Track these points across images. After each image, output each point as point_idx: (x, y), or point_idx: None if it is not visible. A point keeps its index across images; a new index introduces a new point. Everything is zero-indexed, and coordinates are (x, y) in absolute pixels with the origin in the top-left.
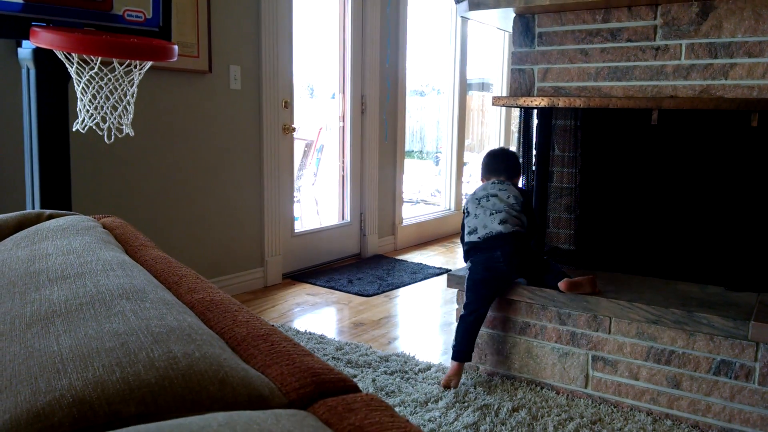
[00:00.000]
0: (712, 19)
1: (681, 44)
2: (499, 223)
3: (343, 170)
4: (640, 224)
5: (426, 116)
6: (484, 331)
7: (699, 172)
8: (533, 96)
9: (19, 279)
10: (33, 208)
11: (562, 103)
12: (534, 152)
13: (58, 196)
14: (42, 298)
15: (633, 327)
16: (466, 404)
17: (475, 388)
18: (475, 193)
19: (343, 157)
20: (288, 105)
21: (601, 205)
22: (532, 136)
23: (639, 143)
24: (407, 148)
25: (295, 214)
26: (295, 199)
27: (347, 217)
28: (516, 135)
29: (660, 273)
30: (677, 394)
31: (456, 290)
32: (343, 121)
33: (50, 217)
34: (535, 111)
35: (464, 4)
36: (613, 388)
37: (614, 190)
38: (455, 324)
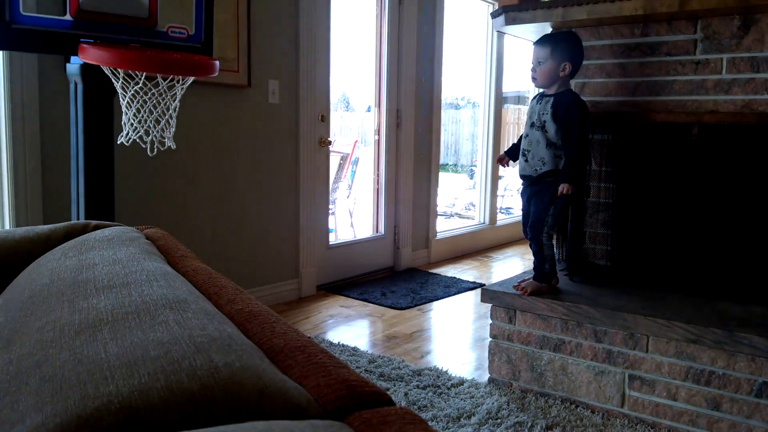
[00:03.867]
0: (754, 33)
1: (722, 58)
2: None
3: (377, 183)
4: (679, 241)
5: (461, 129)
6: (518, 347)
7: (741, 189)
8: None
9: (67, 288)
10: (78, 218)
11: (599, 117)
12: None
13: (101, 206)
14: (90, 307)
15: (671, 346)
16: (499, 421)
17: (508, 405)
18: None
19: (378, 170)
20: (324, 119)
21: (639, 221)
22: None
23: (678, 158)
24: (441, 161)
25: (330, 226)
26: (330, 212)
27: (381, 230)
28: None
29: (699, 291)
30: (717, 416)
31: (490, 305)
32: (379, 134)
33: (96, 227)
34: None
35: (500, 19)
36: (651, 408)
37: (653, 206)
38: (489, 339)
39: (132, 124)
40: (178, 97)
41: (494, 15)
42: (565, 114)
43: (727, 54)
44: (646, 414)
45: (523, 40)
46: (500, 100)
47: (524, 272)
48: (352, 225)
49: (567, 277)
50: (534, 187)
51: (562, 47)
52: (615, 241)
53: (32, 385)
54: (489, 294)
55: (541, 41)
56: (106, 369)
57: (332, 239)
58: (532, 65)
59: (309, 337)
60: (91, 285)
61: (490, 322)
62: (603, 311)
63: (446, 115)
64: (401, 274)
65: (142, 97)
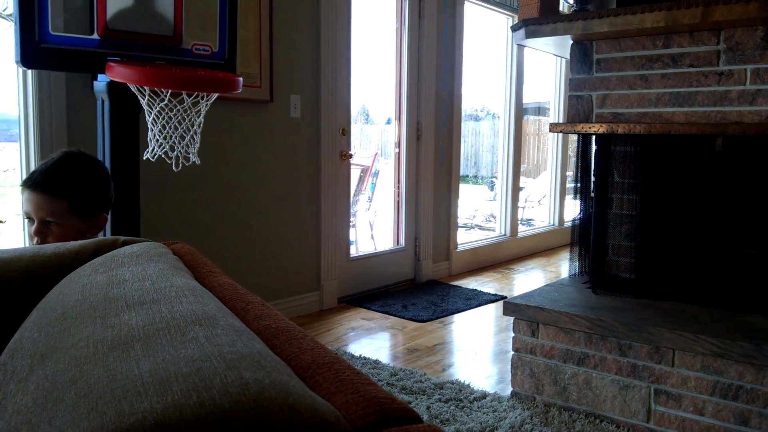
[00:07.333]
0: None
1: (746, 69)
2: None
3: (398, 195)
4: (704, 253)
5: (481, 141)
6: (541, 360)
7: (766, 200)
8: (591, 122)
9: (99, 304)
10: (104, 233)
11: (621, 129)
12: (593, 178)
13: (127, 221)
14: (122, 323)
15: (698, 360)
16: None
17: (531, 419)
18: None
19: (399, 183)
20: (345, 132)
21: (663, 233)
22: (591, 162)
23: (702, 170)
24: (461, 172)
25: (351, 238)
26: (350, 224)
27: (402, 242)
28: (574, 160)
29: (725, 304)
30: (745, 431)
31: (512, 318)
32: (399, 146)
33: (125, 243)
34: (594, 137)
35: (521, 32)
36: (677, 423)
37: (677, 218)
38: (511, 353)
39: (157, 140)
40: (203, 113)
41: (514, 28)
42: None
43: (751, 65)
44: (672, 429)
45: (544, 52)
46: (521, 111)
47: (546, 284)
48: (372, 237)
49: (590, 290)
50: None
51: (86, 195)
52: (639, 253)
53: (68, 401)
54: (511, 307)
55: (45, 188)
56: (139, 385)
57: (353, 251)
58: (34, 227)
59: (336, 354)
60: (122, 301)
61: (513, 335)
62: (627, 324)
63: (466, 127)
64: (422, 287)
65: (167, 113)
